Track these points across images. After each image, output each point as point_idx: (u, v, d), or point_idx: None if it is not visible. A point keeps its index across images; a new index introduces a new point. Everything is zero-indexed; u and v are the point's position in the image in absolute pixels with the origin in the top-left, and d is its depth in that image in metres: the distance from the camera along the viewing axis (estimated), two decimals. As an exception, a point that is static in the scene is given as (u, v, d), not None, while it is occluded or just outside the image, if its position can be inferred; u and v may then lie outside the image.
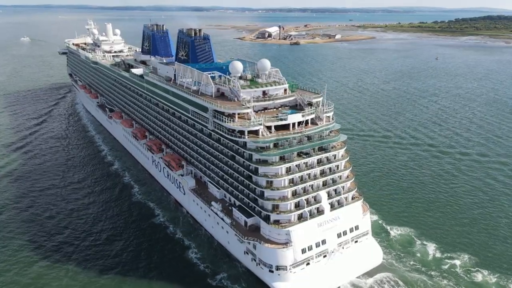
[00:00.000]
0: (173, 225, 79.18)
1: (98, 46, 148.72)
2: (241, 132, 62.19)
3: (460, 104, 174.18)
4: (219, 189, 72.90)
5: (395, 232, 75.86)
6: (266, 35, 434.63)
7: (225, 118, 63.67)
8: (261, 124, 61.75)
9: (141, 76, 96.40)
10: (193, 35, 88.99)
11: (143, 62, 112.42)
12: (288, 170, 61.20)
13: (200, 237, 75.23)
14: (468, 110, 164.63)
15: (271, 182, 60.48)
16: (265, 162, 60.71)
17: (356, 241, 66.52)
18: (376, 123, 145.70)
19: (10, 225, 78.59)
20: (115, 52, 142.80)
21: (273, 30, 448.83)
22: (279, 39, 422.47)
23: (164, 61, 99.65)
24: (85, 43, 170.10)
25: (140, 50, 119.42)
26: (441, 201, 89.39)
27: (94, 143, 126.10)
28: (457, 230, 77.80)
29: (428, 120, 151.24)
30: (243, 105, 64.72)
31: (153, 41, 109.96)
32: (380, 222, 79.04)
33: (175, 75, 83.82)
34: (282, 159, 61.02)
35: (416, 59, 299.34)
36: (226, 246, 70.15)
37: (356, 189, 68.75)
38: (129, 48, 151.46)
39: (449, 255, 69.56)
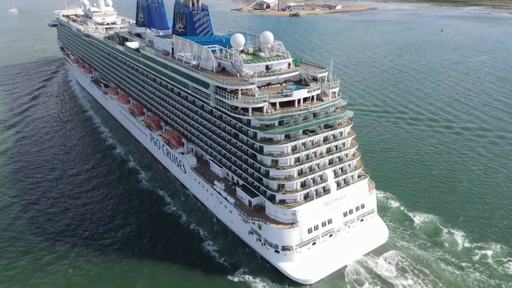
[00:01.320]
0: (186, 214, 74.74)
1: (90, 18, 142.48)
2: (245, 109, 59.60)
3: (473, 78, 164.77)
4: (221, 167, 71.02)
5: (418, 219, 71.57)
6: (264, 6, 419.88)
7: (227, 95, 60.89)
8: (265, 101, 59.08)
9: (137, 50, 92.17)
10: (191, 6, 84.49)
11: (138, 35, 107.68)
12: (294, 149, 59.19)
13: (215, 227, 71.11)
14: (483, 85, 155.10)
15: (277, 161, 58.56)
16: (270, 141, 58.55)
17: (362, 220, 65.64)
18: (384, 99, 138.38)
19: (14, 223, 72.28)
20: (107, 24, 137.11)
21: (271, 0, 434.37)
22: (278, 10, 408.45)
23: (161, 33, 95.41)
24: (75, 15, 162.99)
25: (135, 22, 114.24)
26: (464, 184, 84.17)
27: (93, 124, 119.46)
28: (485, 217, 73.25)
29: (442, 95, 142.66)
30: (246, 80, 61.83)
31: (148, 13, 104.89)
32: (402, 208, 74.76)
33: (173, 48, 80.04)
34: (288, 137, 58.85)
35: (421, 31, 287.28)
36: (229, 226, 69.06)
37: (362, 167, 67.11)
38: (122, 20, 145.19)
39: (479, 244, 65.61)
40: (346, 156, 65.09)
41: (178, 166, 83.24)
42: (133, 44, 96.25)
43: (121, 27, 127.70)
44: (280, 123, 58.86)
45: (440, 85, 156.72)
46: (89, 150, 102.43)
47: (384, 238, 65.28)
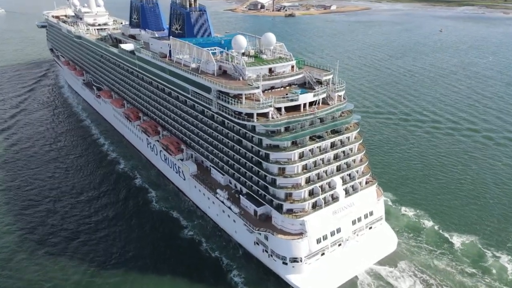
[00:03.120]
0: (206, 239, 67.44)
1: (80, 19, 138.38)
2: (249, 115, 56.99)
3: (492, 81, 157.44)
4: (223, 175, 68.23)
5: (457, 241, 65.80)
6: (259, 6, 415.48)
7: (230, 100, 58.19)
8: (271, 106, 56.55)
9: (132, 52, 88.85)
10: (188, 7, 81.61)
11: (132, 37, 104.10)
12: (301, 156, 56.65)
13: (238, 253, 64.25)
14: (500, 89, 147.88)
15: (284, 169, 55.99)
16: (276, 148, 55.97)
17: (370, 227, 63.48)
18: (395, 103, 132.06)
19: (12, 258, 63.79)
20: (99, 25, 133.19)
21: (266, 0, 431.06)
22: (273, 10, 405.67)
23: (156, 35, 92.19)
24: (65, 15, 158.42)
25: (128, 23, 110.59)
26: (503, 199, 77.84)
27: (91, 134, 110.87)
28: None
29: (457, 98, 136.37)
30: (250, 84, 59.17)
31: (143, 13, 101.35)
32: (436, 228, 68.88)
33: (170, 51, 77.02)
34: (295, 143, 56.30)
35: (420, 31, 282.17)
36: (233, 235, 66.30)
37: (370, 173, 64.92)
38: (114, 21, 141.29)
39: None
40: (354, 162, 62.89)
41: (177, 172, 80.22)
42: (128, 46, 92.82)
43: (114, 28, 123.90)
44: (286, 129, 56.36)
45: (454, 87, 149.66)
46: (90, 167, 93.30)
47: (393, 246, 63.23)
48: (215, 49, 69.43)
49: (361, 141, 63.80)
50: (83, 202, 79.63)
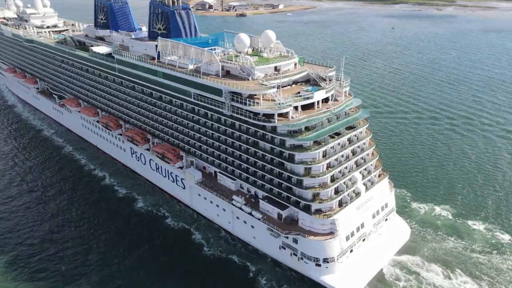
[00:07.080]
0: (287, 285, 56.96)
1: (26, 21, 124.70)
2: (268, 116, 54.95)
3: (464, 75, 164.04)
4: (234, 180, 65.06)
5: None
6: (207, 6, 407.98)
7: (247, 101, 55.55)
8: (290, 105, 54.92)
9: (109, 55, 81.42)
10: (171, 5, 76.74)
11: (101, 39, 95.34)
12: (325, 154, 55.74)
13: None
14: (492, 81, 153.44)
15: (310, 169, 54.64)
16: (300, 148, 54.45)
17: (386, 219, 64.58)
18: (390, 101, 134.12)
19: None
20: (48, 27, 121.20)
21: (212, 0, 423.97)
22: (222, 10, 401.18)
23: (133, 36, 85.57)
24: (4, 18, 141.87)
25: (93, 24, 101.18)
26: None
27: (75, 162, 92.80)
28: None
29: (452, 93, 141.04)
30: (264, 84, 57.07)
31: (111, 13, 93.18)
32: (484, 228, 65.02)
33: (159, 52, 71.82)
34: (317, 142, 55.26)
35: (375, 30, 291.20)
36: (250, 242, 63.53)
37: (381, 167, 65.98)
38: (64, 22, 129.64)
39: None
40: (368, 156, 63.54)
41: (173, 181, 75.14)
42: (102, 49, 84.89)
43: (74, 30, 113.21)
44: (306, 128, 55.15)
45: (428, 82, 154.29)
46: (97, 210, 74.76)
47: (407, 235, 64.95)
48: (215, 48, 65.87)
49: (371, 136, 64.62)
50: (78, 239, 63.38)
